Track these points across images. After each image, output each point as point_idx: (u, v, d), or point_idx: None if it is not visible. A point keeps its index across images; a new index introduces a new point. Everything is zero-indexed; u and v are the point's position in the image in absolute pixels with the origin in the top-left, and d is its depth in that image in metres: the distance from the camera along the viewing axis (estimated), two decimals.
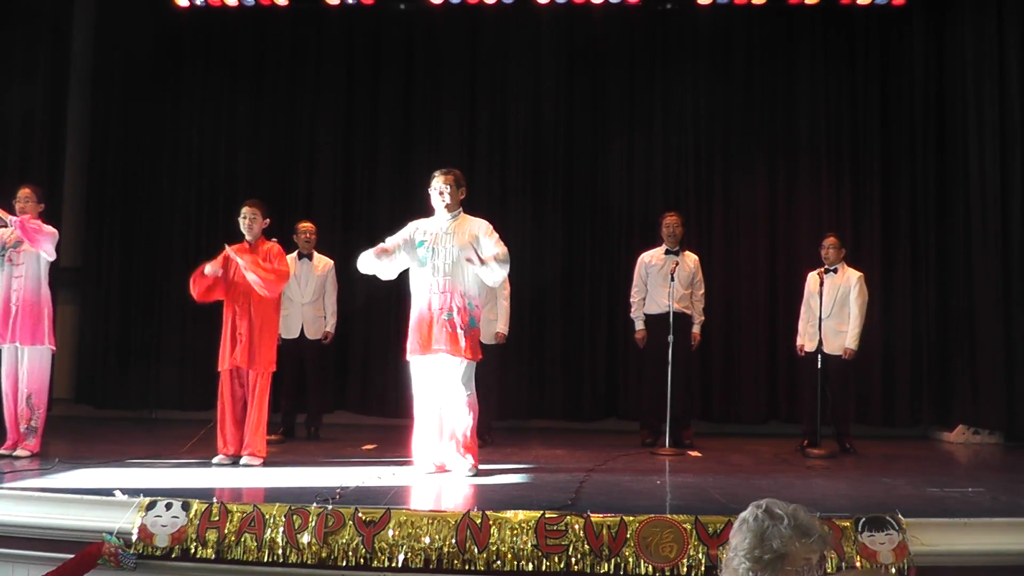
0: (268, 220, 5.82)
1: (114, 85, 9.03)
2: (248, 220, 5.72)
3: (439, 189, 5.37)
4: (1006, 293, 7.46)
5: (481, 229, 5.38)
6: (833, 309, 6.84)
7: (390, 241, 5.43)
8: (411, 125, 8.87)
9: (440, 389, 5.30)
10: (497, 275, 5.29)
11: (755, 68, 8.70)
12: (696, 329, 7.09)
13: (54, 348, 5.94)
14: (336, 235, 8.51)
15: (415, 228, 5.46)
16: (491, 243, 5.31)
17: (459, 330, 5.20)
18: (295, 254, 7.21)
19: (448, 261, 5.28)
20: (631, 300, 7.23)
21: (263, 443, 5.63)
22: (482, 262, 5.20)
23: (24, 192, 5.92)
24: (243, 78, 8.96)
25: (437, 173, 5.45)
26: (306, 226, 7.40)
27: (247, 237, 5.75)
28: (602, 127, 8.75)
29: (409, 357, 5.36)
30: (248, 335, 5.57)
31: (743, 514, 2.05)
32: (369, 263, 5.35)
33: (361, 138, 8.89)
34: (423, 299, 5.32)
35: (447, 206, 5.37)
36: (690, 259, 7.15)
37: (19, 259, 5.82)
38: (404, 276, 5.48)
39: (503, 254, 5.26)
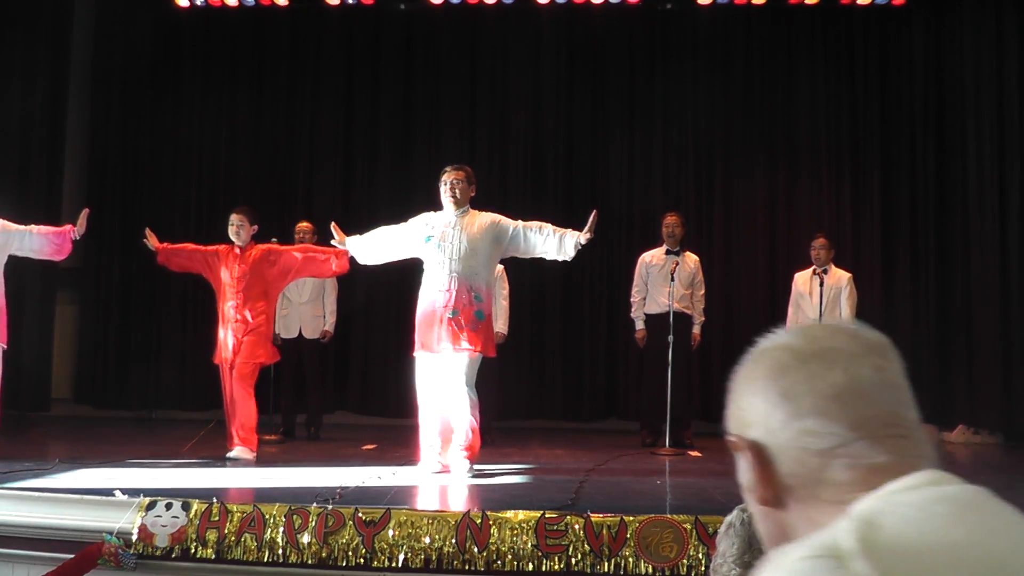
0: (256, 226, 5.84)
1: (114, 85, 9.02)
2: (235, 227, 5.78)
3: (450, 183, 5.25)
4: (1005, 293, 7.46)
5: (499, 219, 5.27)
6: (825, 309, 6.84)
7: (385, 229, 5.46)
8: (411, 125, 8.86)
9: (444, 388, 5.20)
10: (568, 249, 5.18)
11: (755, 68, 8.69)
12: (696, 329, 7.09)
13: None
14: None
15: (423, 223, 5.35)
16: (526, 227, 5.24)
17: (465, 327, 5.10)
18: None
19: (455, 256, 5.16)
20: (631, 300, 7.23)
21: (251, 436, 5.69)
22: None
23: None
24: (243, 78, 8.95)
25: (448, 168, 5.37)
26: (303, 226, 7.37)
27: (236, 243, 5.78)
28: (602, 127, 8.75)
29: (416, 353, 5.29)
30: (242, 330, 5.69)
31: (728, 518, 2.02)
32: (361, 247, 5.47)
33: (361, 138, 8.88)
34: (429, 296, 5.23)
35: (456, 201, 5.24)
36: (690, 259, 7.15)
37: None
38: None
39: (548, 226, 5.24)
